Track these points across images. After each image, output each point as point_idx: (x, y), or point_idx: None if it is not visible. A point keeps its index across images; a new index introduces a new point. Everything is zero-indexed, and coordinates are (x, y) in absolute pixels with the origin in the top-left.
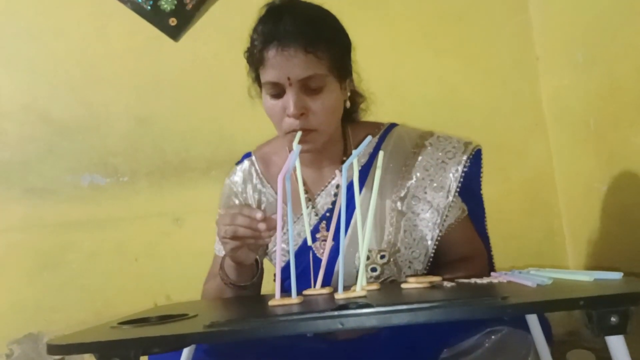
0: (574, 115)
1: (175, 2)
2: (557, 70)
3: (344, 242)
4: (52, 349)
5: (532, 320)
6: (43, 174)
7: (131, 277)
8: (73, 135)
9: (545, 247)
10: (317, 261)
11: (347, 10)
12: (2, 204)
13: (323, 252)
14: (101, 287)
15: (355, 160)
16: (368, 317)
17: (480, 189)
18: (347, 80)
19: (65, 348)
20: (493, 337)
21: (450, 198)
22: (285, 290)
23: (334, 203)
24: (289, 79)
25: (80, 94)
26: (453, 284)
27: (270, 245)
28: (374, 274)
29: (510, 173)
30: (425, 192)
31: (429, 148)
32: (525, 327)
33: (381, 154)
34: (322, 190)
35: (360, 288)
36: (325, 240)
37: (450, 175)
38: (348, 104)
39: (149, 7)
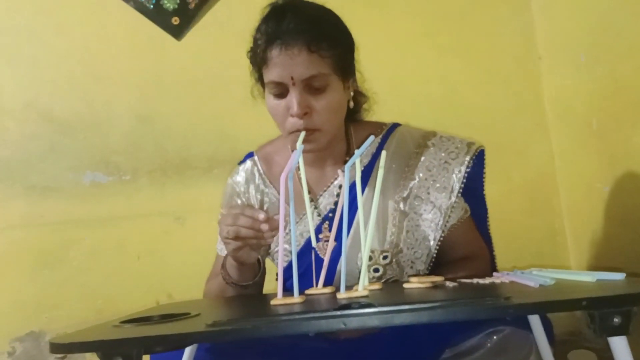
0: (576, 115)
1: (178, 1)
2: (560, 70)
3: (346, 242)
4: (55, 347)
5: (534, 320)
6: (45, 172)
7: (133, 275)
8: (75, 133)
9: (547, 248)
10: (320, 261)
11: (350, 10)
12: (4, 202)
13: (325, 253)
14: (102, 285)
15: (357, 161)
16: (370, 317)
17: (483, 190)
18: (351, 80)
19: (68, 347)
20: (495, 337)
21: (453, 199)
22: (288, 290)
23: (336, 203)
24: (292, 78)
25: (82, 92)
26: (455, 284)
27: (272, 246)
28: (377, 274)
29: (512, 173)
30: (428, 193)
31: (432, 148)
32: (527, 327)
33: (384, 154)
34: (325, 190)
35: (363, 288)
36: (327, 241)
37: (453, 175)
38: (352, 104)
39: (152, 6)
